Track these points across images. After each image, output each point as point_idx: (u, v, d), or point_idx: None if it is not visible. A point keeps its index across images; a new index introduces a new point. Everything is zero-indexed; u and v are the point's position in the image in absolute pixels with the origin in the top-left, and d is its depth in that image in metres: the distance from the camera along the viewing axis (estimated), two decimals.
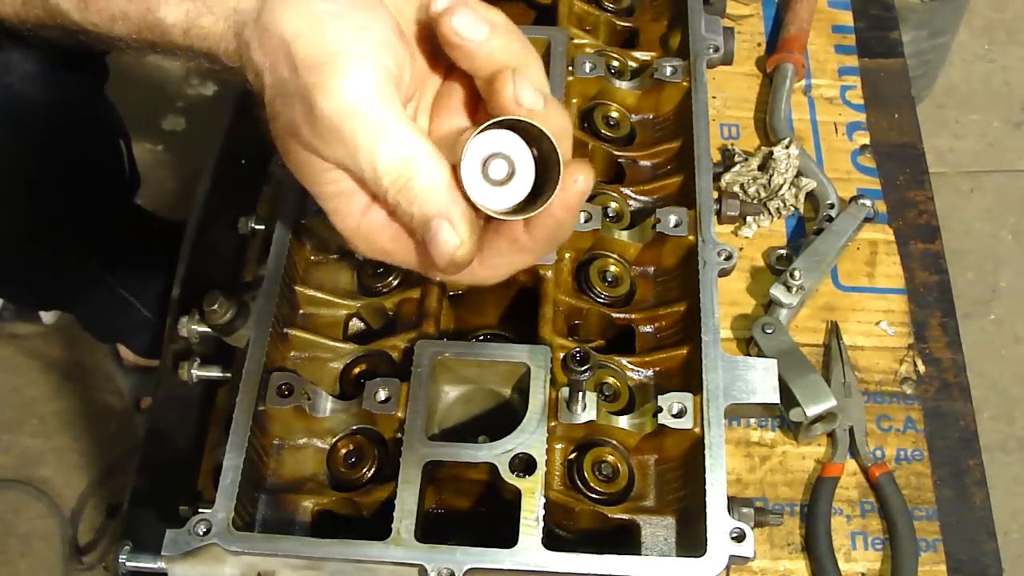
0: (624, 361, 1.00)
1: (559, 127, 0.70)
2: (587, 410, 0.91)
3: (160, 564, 0.84)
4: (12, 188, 1.27)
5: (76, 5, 0.78)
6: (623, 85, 1.17)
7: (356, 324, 1.04)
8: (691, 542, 0.86)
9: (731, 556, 0.83)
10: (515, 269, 0.78)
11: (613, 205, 1.09)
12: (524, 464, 0.87)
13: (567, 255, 1.04)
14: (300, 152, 0.70)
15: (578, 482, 0.93)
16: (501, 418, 0.93)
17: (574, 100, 1.14)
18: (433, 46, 0.74)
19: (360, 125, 0.66)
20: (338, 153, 0.68)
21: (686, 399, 0.92)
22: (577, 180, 0.69)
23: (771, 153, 1.21)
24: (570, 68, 1.14)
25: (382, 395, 0.91)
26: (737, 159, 1.23)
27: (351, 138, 0.66)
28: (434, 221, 0.68)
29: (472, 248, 0.70)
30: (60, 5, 0.79)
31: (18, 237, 1.37)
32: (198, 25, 0.73)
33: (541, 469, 0.87)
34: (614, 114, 1.17)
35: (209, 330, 0.99)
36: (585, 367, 0.84)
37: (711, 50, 1.16)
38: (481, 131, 0.70)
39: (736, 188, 1.21)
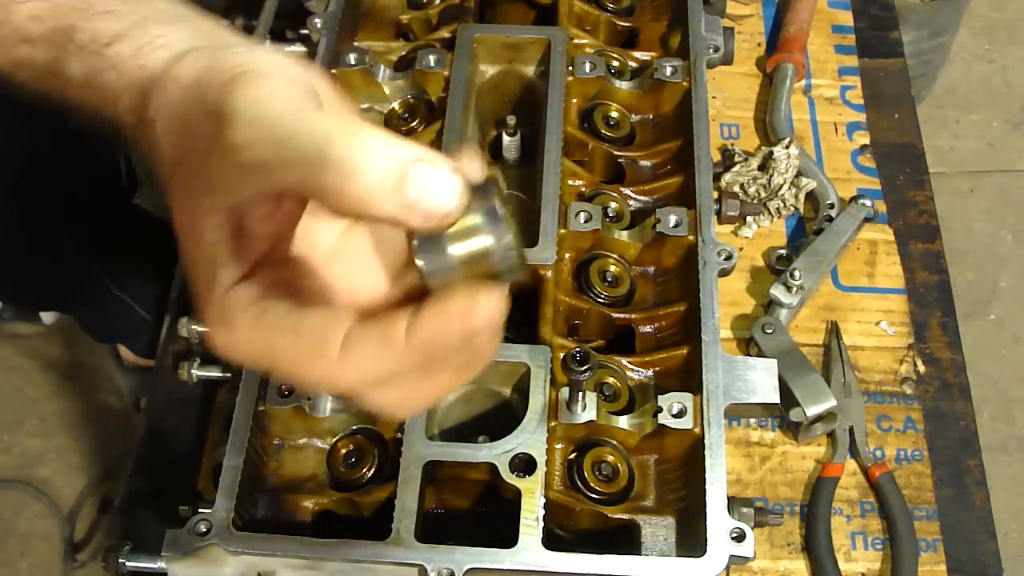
0: (624, 361, 1.00)
1: None
2: (587, 410, 0.91)
3: (160, 564, 0.84)
4: (9, 190, 1.27)
5: None
6: (623, 85, 1.18)
7: None
8: (691, 542, 0.86)
9: (731, 556, 0.83)
10: (372, 386, 0.56)
11: (613, 205, 1.09)
12: (524, 464, 0.87)
13: (567, 255, 1.04)
14: (198, 200, 0.56)
15: (578, 482, 0.93)
16: (501, 418, 0.93)
17: (574, 100, 1.14)
18: None
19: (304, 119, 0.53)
20: (271, 158, 0.52)
21: (686, 399, 0.92)
22: (480, 301, 0.52)
23: (771, 153, 1.21)
24: (570, 68, 1.14)
25: None
26: (737, 159, 1.23)
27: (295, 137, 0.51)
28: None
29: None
30: None
31: (16, 239, 1.37)
32: (99, 80, 0.65)
33: (541, 469, 0.87)
34: (614, 114, 1.17)
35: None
36: (585, 367, 0.84)
37: (711, 50, 1.16)
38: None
39: (736, 188, 1.21)
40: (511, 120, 1.15)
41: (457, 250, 0.52)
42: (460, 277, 0.52)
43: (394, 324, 0.53)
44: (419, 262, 0.52)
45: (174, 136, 0.58)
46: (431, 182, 0.50)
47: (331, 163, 0.50)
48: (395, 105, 1.18)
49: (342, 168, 0.49)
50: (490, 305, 0.53)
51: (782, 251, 1.19)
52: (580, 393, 0.90)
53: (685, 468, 0.92)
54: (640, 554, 0.90)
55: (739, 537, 0.83)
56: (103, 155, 1.49)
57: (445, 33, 1.19)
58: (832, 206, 1.19)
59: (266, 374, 0.58)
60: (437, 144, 1.08)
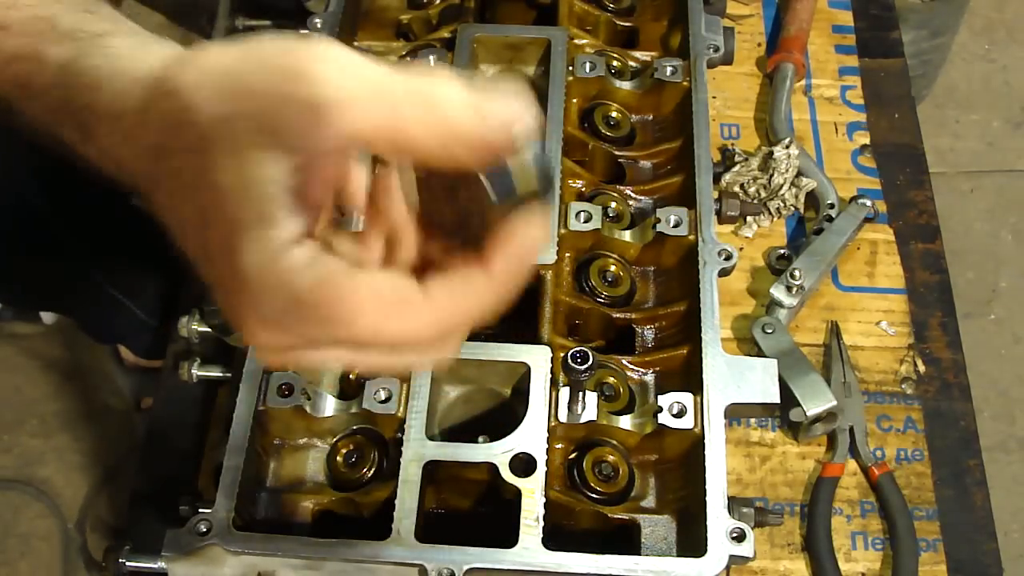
0: (624, 361, 1.00)
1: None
2: (587, 410, 0.91)
3: (160, 564, 0.84)
4: (5, 190, 1.27)
5: None
6: (623, 85, 1.18)
7: None
8: (691, 542, 0.86)
9: (731, 556, 0.83)
10: (453, 323, 0.56)
11: (613, 205, 1.09)
12: (524, 464, 0.87)
13: (567, 255, 1.04)
14: (258, 154, 0.53)
15: (578, 482, 0.93)
16: (501, 418, 0.93)
17: (574, 100, 1.14)
18: None
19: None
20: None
21: (686, 399, 0.92)
22: (538, 225, 0.55)
23: (771, 153, 1.21)
24: (570, 68, 1.14)
25: (382, 395, 0.91)
26: (737, 159, 1.23)
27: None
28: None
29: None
30: None
31: (12, 240, 1.37)
32: (81, 64, 0.62)
33: (541, 469, 0.87)
34: (614, 114, 1.17)
35: (209, 330, 0.99)
36: (585, 366, 0.84)
37: (711, 50, 1.16)
38: None
39: (736, 188, 1.21)
40: None
41: (517, 180, 0.56)
42: (519, 204, 0.56)
43: (469, 262, 0.55)
44: (491, 193, 0.55)
45: (215, 101, 0.54)
46: (508, 107, 0.53)
47: (423, 105, 0.51)
48: None
49: (436, 108, 0.51)
50: (543, 227, 0.56)
51: (782, 251, 1.19)
52: (580, 393, 0.90)
53: (685, 468, 0.92)
54: (640, 554, 0.90)
55: (739, 537, 0.83)
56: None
57: (445, 33, 1.19)
58: (832, 206, 1.19)
59: (313, 352, 0.55)
60: None
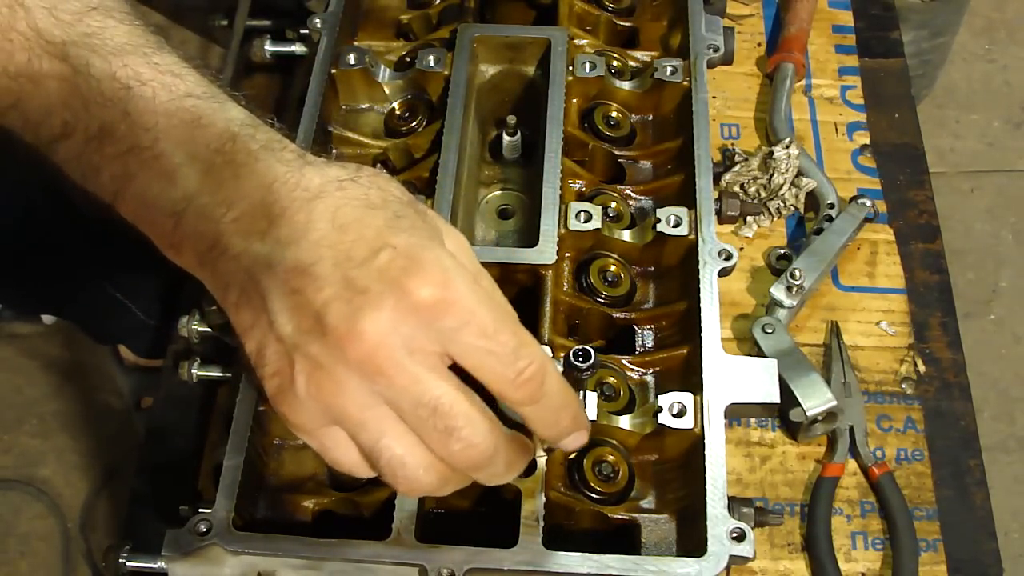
0: (624, 361, 1.00)
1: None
2: (587, 410, 0.91)
3: (160, 564, 0.84)
4: (6, 191, 1.27)
5: None
6: (623, 85, 1.18)
7: None
8: (691, 542, 0.86)
9: (731, 556, 0.83)
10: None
11: (613, 205, 1.09)
12: None
13: (567, 255, 1.04)
14: None
15: (578, 482, 0.93)
16: (501, 417, 0.93)
17: (574, 100, 1.14)
18: None
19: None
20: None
21: (686, 399, 0.92)
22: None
23: (771, 153, 1.21)
24: (570, 68, 1.14)
25: None
26: (737, 159, 1.23)
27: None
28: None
29: None
30: None
31: (13, 241, 1.37)
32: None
33: (541, 469, 0.87)
34: (614, 114, 1.17)
35: (209, 330, 0.99)
36: (587, 365, 0.84)
37: (711, 50, 1.16)
38: None
39: (736, 188, 1.21)
40: (511, 120, 1.15)
41: None
42: None
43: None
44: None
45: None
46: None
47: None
48: (395, 105, 1.19)
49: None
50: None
51: (782, 251, 1.19)
52: (581, 392, 0.89)
53: (685, 468, 0.92)
54: (640, 554, 0.90)
55: (739, 537, 0.83)
56: None
57: (445, 33, 1.19)
58: (832, 206, 1.19)
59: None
60: (437, 144, 1.08)
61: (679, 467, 0.94)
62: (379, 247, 0.63)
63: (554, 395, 0.68)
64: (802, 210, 1.22)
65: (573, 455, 0.93)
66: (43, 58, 0.69)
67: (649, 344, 1.03)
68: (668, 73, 1.14)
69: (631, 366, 1.00)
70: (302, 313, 0.62)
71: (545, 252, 1.00)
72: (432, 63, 1.14)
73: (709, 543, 0.83)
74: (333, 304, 0.61)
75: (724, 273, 1.00)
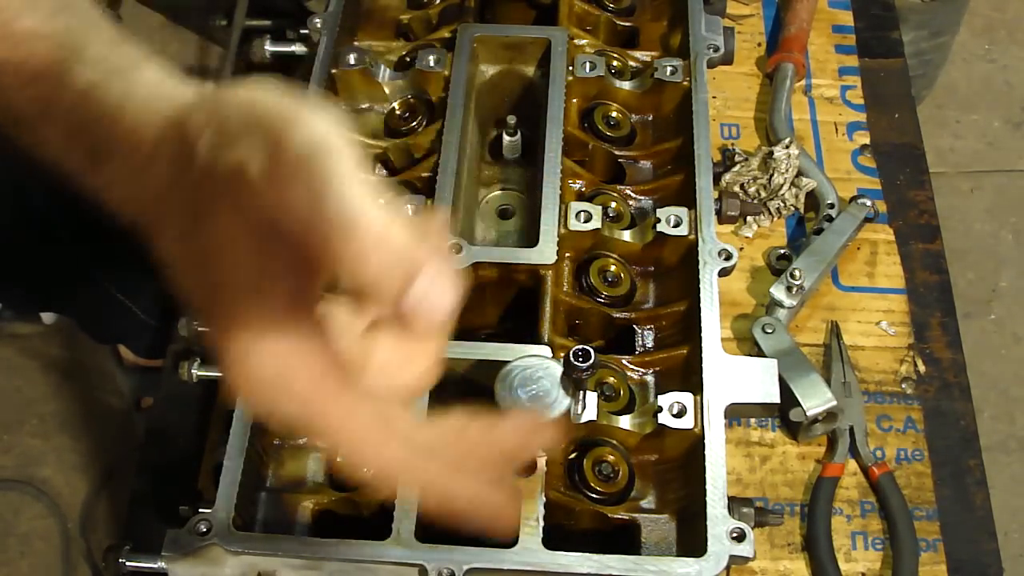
0: (624, 361, 1.00)
1: None
2: (587, 410, 0.91)
3: (160, 564, 0.84)
4: (5, 191, 1.27)
5: None
6: (623, 85, 1.17)
7: None
8: (691, 542, 0.86)
9: (731, 556, 0.83)
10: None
11: (613, 205, 1.09)
12: (524, 464, 0.87)
13: (567, 255, 1.04)
14: (234, 217, 0.53)
15: (578, 482, 0.93)
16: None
17: (574, 100, 1.14)
18: None
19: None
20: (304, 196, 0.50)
21: (686, 399, 0.92)
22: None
23: (771, 153, 1.21)
24: (570, 68, 1.14)
25: None
26: (737, 159, 1.23)
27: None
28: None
29: None
30: None
31: (10, 240, 1.37)
32: (106, 89, 0.61)
33: (541, 469, 0.87)
34: (614, 114, 1.17)
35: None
36: (587, 364, 0.84)
37: (711, 50, 1.16)
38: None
39: (736, 188, 1.21)
40: (511, 120, 1.15)
41: (523, 393, 0.81)
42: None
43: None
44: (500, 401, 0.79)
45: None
46: (434, 293, 0.50)
47: (350, 235, 0.49)
48: (395, 105, 1.19)
49: (358, 243, 0.49)
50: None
51: (782, 251, 1.19)
52: (581, 393, 0.90)
53: (685, 468, 0.92)
54: (640, 554, 0.90)
55: (739, 537, 0.83)
56: None
57: (445, 33, 1.19)
58: (832, 206, 1.19)
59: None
60: (437, 144, 1.08)
61: (679, 467, 0.93)
62: None
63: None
64: (802, 210, 1.22)
65: (573, 455, 0.93)
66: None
67: (649, 344, 1.03)
68: (668, 73, 1.14)
69: (631, 366, 1.00)
70: None
71: (545, 252, 1.00)
72: (432, 63, 1.14)
73: (709, 543, 0.83)
74: None
75: (724, 273, 1.00)
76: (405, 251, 0.49)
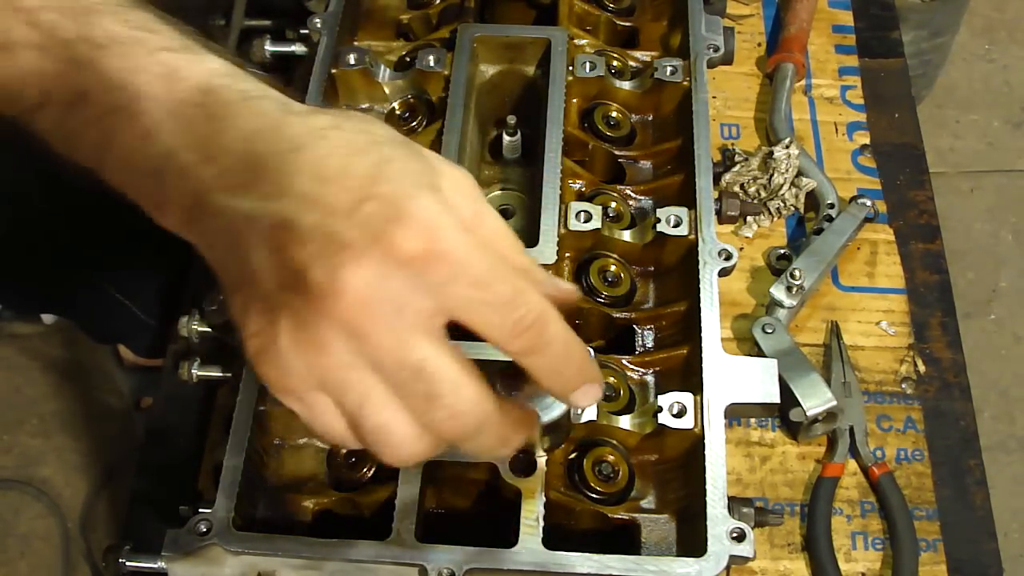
0: (624, 361, 1.00)
1: None
2: (587, 410, 0.91)
3: (160, 564, 0.84)
4: (5, 191, 1.27)
5: None
6: (623, 85, 1.17)
7: None
8: (691, 542, 0.86)
9: (731, 556, 0.83)
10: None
11: (613, 205, 1.09)
12: (524, 464, 0.87)
13: (567, 255, 1.04)
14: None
15: (578, 482, 0.93)
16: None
17: (574, 100, 1.14)
18: None
19: None
20: None
21: (686, 399, 0.92)
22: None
23: (771, 153, 1.21)
24: (570, 68, 1.14)
25: None
26: (737, 159, 1.23)
27: None
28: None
29: None
30: None
31: (10, 241, 1.37)
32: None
33: (541, 469, 0.87)
34: (614, 114, 1.17)
35: (209, 330, 0.98)
36: None
37: (711, 50, 1.16)
38: None
39: (736, 188, 1.21)
40: (511, 120, 1.15)
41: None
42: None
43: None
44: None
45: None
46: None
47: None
48: (395, 105, 1.19)
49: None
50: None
51: (782, 251, 1.19)
52: None
53: (685, 468, 0.92)
54: (640, 554, 0.90)
55: (739, 537, 0.83)
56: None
57: (445, 33, 1.19)
58: (832, 206, 1.20)
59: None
60: (437, 144, 1.08)
61: (679, 467, 0.93)
62: (363, 198, 0.59)
63: (556, 344, 0.64)
64: (802, 210, 1.22)
65: (574, 454, 0.93)
66: (14, 28, 0.67)
67: (649, 344, 1.03)
68: (668, 73, 1.14)
69: (631, 366, 1.00)
70: (284, 270, 0.58)
71: (545, 252, 1.00)
72: (432, 63, 1.14)
73: (709, 543, 0.83)
74: (315, 260, 0.57)
75: (724, 273, 1.00)
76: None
